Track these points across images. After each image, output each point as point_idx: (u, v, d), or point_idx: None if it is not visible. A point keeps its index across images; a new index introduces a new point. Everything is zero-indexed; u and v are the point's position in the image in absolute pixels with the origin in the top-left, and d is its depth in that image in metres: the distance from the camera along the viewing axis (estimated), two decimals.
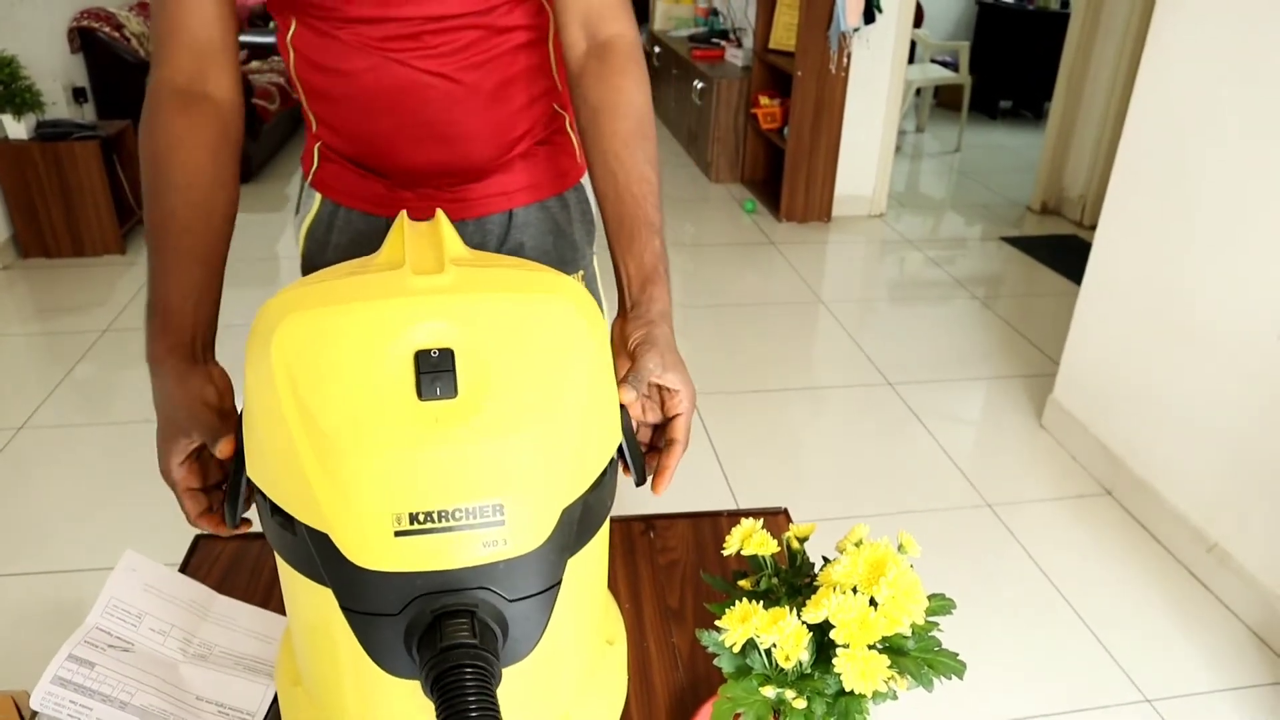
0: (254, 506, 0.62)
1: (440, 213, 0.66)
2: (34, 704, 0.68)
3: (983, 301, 3.45)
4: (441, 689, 0.50)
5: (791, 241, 4.01)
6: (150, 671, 0.73)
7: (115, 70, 4.11)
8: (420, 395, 0.53)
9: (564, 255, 1.08)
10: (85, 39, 4.08)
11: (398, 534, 0.51)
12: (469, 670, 0.51)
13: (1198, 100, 2.01)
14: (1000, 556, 2.06)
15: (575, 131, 1.08)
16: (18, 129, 3.25)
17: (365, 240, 1.04)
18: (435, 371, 0.53)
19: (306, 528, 0.54)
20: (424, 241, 0.63)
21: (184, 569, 0.92)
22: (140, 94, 0.84)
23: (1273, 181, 1.81)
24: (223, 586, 0.89)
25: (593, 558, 0.63)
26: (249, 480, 0.58)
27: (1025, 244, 4.06)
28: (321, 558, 0.54)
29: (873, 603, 0.63)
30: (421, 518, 0.51)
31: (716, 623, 0.65)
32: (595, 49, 0.88)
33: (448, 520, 0.52)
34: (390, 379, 0.53)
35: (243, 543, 0.97)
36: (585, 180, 1.14)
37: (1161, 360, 2.14)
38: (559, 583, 0.58)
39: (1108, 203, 2.31)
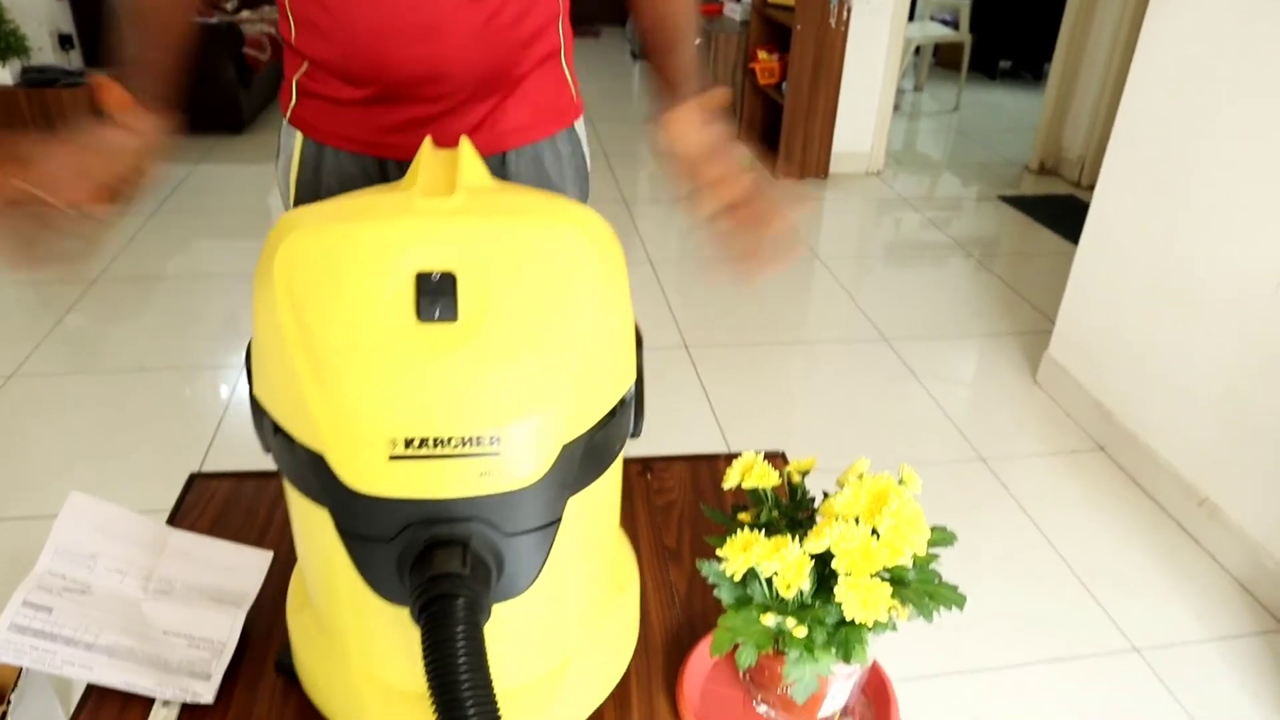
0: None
1: (465, 140, 0.65)
2: None
3: (979, 260, 3.43)
4: (428, 617, 0.50)
5: (788, 197, 3.97)
6: (112, 611, 0.72)
7: (102, 17, 4.01)
8: (419, 317, 0.51)
9: None
10: None
11: (392, 458, 0.51)
12: (457, 600, 0.50)
13: (1199, 61, 1.98)
14: (993, 510, 2.07)
15: (571, 69, 1.06)
16: (3, 74, 3.19)
17: (355, 184, 1.02)
18: (435, 294, 0.52)
19: (304, 449, 0.53)
20: (441, 166, 0.62)
21: (177, 509, 0.91)
22: None
23: (1272, 143, 1.80)
24: (217, 526, 0.89)
25: (598, 499, 0.61)
26: (256, 401, 0.57)
27: (1023, 204, 4.04)
28: (319, 479, 0.53)
29: (874, 533, 0.63)
30: (416, 443, 0.51)
31: (718, 552, 0.65)
32: None
33: (442, 447, 0.51)
34: (391, 300, 0.52)
35: (236, 483, 0.96)
36: (580, 125, 1.11)
37: (1157, 318, 2.14)
38: (558, 520, 0.57)
39: (1107, 162, 2.29)
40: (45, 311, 2.79)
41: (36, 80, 3.21)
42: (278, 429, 0.55)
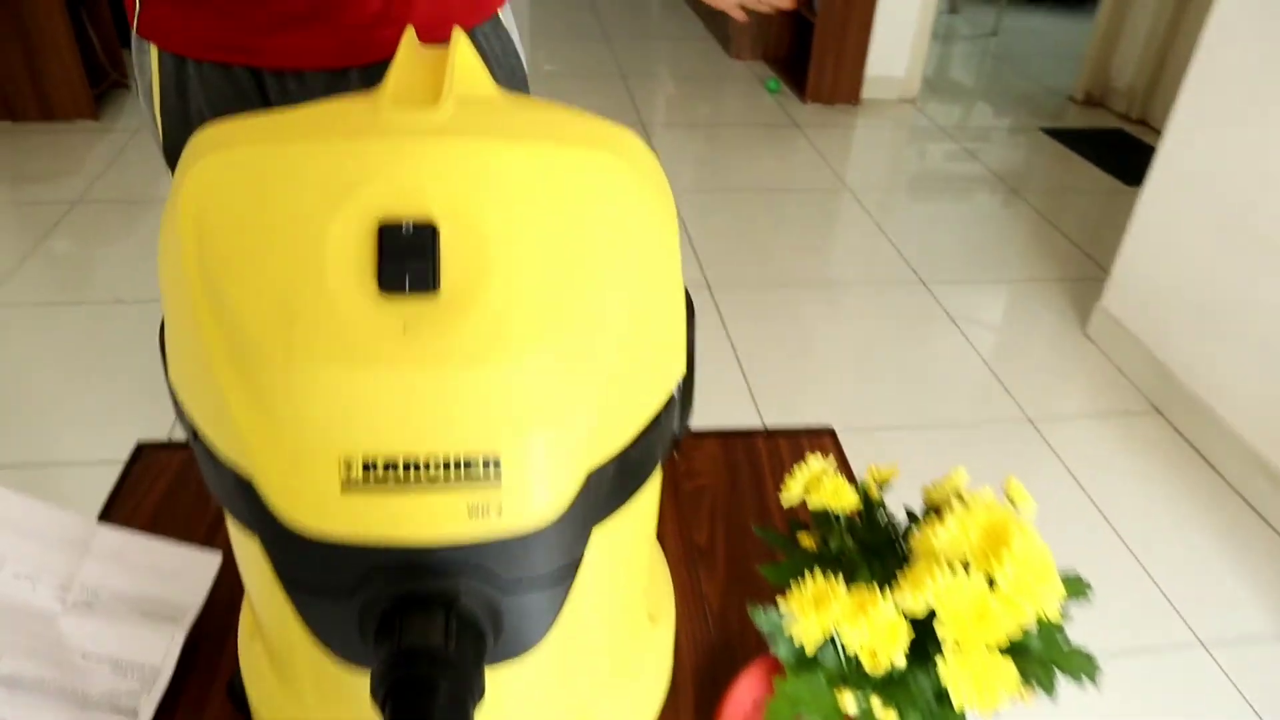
0: None
1: (459, 33, 0.47)
2: None
3: (1022, 197, 3.23)
4: (394, 709, 0.36)
5: (817, 124, 3.75)
6: (18, 629, 0.60)
7: None
8: (382, 286, 0.36)
9: None
10: None
11: (346, 487, 0.36)
12: (435, 687, 0.36)
13: None
14: (1040, 475, 1.93)
15: None
16: None
17: (231, 102, 0.84)
18: (406, 254, 0.36)
19: (228, 468, 0.39)
20: (424, 66, 0.44)
21: (120, 486, 0.78)
22: None
23: None
24: (164, 507, 0.76)
25: (633, 522, 0.47)
26: (173, 391, 0.43)
27: (1067, 137, 3.80)
28: (250, 510, 0.39)
29: (989, 583, 0.48)
30: (379, 467, 0.36)
31: (782, 604, 0.49)
32: None
33: (416, 474, 0.36)
34: (343, 262, 0.36)
35: (191, 455, 0.82)
36: (507, 16, 0.91)
37: (1231, 269, 1.96)
38: (578, 561, 0.42)
39: (1182, 94, 2.08)
40: (24, 234, 2.62)
41: None
42: (197, 433, 0.41)
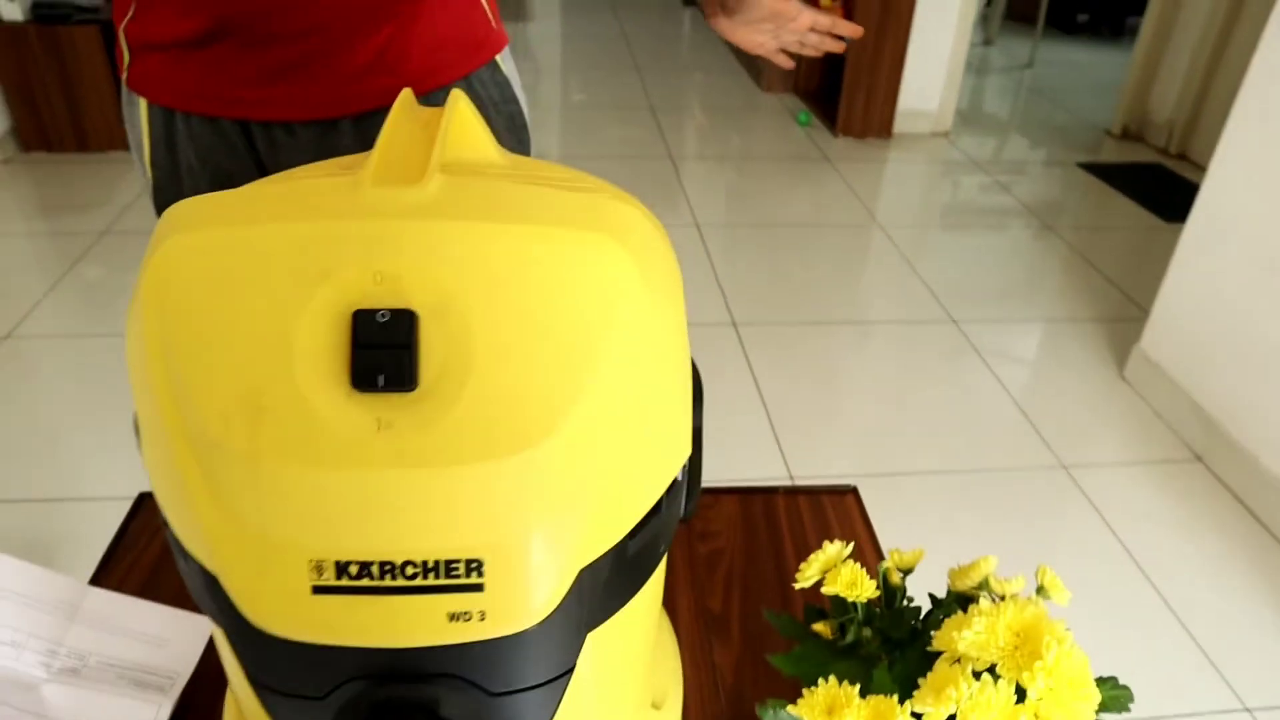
0: None
1: (458, 95, 0.44)
2: None
3: (1057, 233, 3.17)
4: None
5: (848, 159, 3.72)
6: (1, 699, 0.58)
7: None
8: (355, 382, 0.34)
9: None
10: None
11: (316, 590, 0.35)
12: None
13: None
14: (1074, 526, 1.86)
15: None
16: (12, 9, 3.03)
17: (220, 154, 0.83)
18: (383, 347, 0.34)
19: (196, 564, 0.37)
20: (417, 131, 0.42)
21: (127, 524, 0.77)
22: None
23: None
24: (164, 564, 0.74)
25: (632, 624, 0.44)
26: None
27: (1104, 171, 3.73)
28: (218, 606, 0.37)
29: (1019, 693, 0.44)
30: (353, 569, 0.35)
31: (790, 709, 0.46)
32: None
33: (392, 576, 0.35)
34: (312, 353, 0.34)
35: None
36: (505, 61, 0.89)
37: (1277, 311, 1.89)
38: (571, 669, 0.40)
39: (1228, 129, 2.02)
40: (53, 264, 2.66)
41: (48, 16, 3.06)
42: (167, 521, 0.39)
